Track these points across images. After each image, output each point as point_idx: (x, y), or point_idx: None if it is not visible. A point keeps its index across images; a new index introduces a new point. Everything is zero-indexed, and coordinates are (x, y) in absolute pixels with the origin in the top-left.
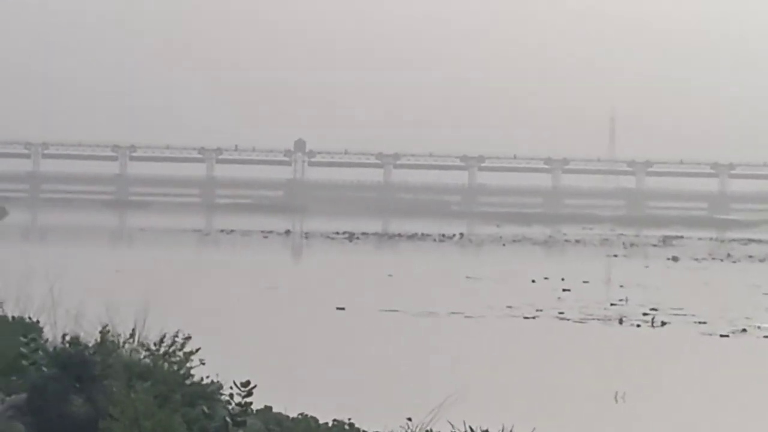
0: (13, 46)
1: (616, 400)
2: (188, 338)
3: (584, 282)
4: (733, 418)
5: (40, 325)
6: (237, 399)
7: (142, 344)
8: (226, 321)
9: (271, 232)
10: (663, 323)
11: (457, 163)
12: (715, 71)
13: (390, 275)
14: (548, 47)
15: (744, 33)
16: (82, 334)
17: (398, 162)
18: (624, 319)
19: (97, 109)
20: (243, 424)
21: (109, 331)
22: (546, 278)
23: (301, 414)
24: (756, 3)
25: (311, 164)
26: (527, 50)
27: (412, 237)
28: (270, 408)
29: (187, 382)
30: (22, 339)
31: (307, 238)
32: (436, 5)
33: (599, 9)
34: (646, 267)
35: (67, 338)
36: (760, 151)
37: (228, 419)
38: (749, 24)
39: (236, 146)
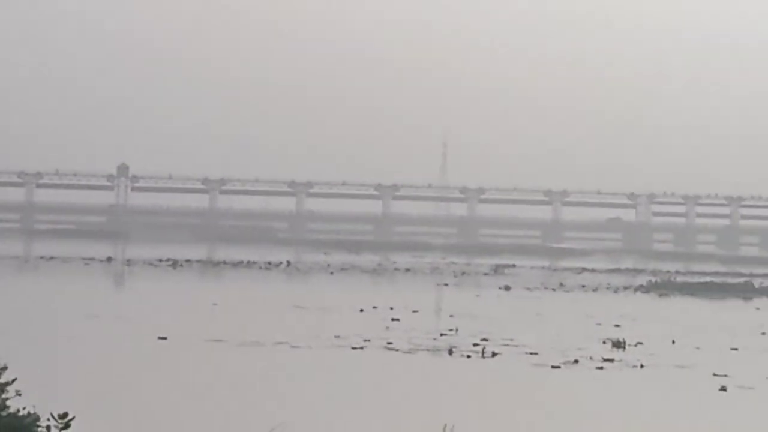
0: None
1: None
2: (4, 368)
3: (414, 311)
4: None
5: None
6: (54, 431)
7: None
8: (45, 351)
9: (92, 258)
10: (494, 354)
11: (285, 189)
12: (551, 96)
13: (215, 304)
14: (378, 68)
15: (578, 55)
16: None
17: (224, 188)
18: (454, 349)
19: None
20: None
21: None
22: (375, 307)
23: None
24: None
25: (135, 189)
26: (358, 70)
27: (237, 265)
28: None
29: (3, 413)
30: None
31: (129, 265)
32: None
33: (435, 26)
34: (477, 296)
35: None
36: (593, 178)
37: None
38: (581, 45)
39: (57, 170)
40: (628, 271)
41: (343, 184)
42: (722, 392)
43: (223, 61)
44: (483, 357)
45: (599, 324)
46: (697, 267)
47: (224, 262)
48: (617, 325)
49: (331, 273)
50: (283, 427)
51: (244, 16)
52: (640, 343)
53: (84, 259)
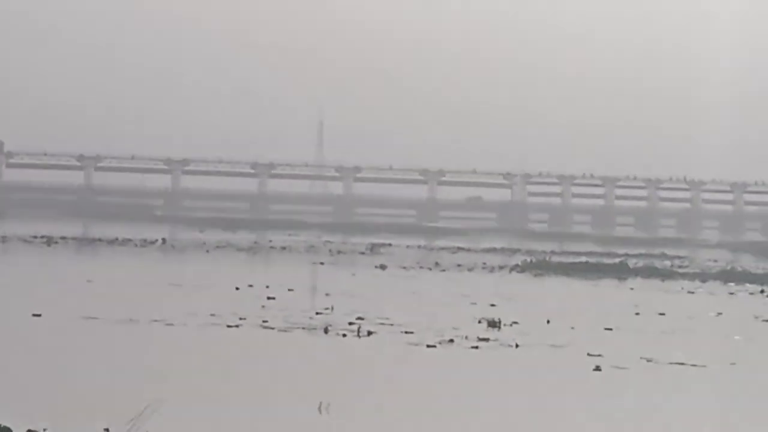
0: None
1: (320, 411)
2: None
3: (289, 290)
4: (439, 426)
5: None
6: None
7: None
8: None
9: None
10: (369, 333)
11: (161, 166)
12: (431, 78)
13: (90, 281)
14: (254, 48)
15: (454, 34)
16: None
17: (99, 165)
18: (329, 328)
19: None
20: None
21: None
22: (250, 286)
23: None
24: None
25: (9, 166)
26: (232, 49)
27: (112, 242)
28: None
29: None
30: None
31: (3, 242)
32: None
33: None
34: (353, 275)
35: None
36: (471, 159)
37: None
38: (460, 25)
39: None
40: (503, 250)
41: (220, 161)
42: (597, 372)
43: (92, 36)
44: (359, 336)
45: (475, 303)
46: (572, 247)
47: (99, 240)
48: (493, 305)
49: (207, 251)
50: (157, 403)
51: None
52: (516, 322)
53: None
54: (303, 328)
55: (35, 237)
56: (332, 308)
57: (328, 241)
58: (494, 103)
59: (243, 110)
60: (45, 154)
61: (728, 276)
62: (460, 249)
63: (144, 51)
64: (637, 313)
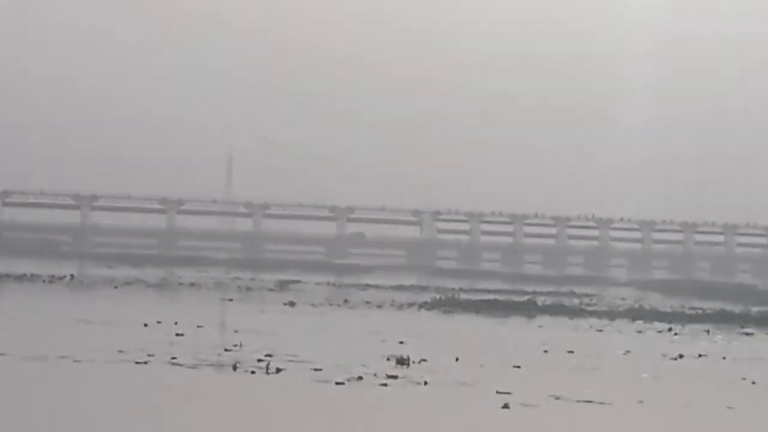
0: None
1: None
2: None
3: (198, 326)
4: None
5: None
6: None
7: None
8: None
9: None
10: (278, 370)
11: (69, 201)
12: (335, 107)
13: None
14: (164, 77)
15: (366, 58)
16: None
17: (7, 200)
18: (238, 365)
19: None
20: None
21: None
22: (159, 322)
23: None
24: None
25: None
26: (145, 78)
27: (20, 278)
28: None
29: None
30: None
31: None
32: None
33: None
34: (262, 312)
35: None
36: (380, 193)
37: None
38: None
39: None
40: (412, 287)
41: (128, 197)
42: (505, 410)
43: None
44: (267, 373)
45: (383, 341)
46: (481, 284)
47: (7, 275)
48: (401, 342)
49: (115, 287)
50: None
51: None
52: (424, 360)
53: None
54: (211, 365)
55: None
56: (241, 345)
57: (237, 278)
58: (405, 137)
59: (151, 143)
60: None
61: (636, 314)
62: (368, 286)
63: (51, 80)
64: (546, 351)
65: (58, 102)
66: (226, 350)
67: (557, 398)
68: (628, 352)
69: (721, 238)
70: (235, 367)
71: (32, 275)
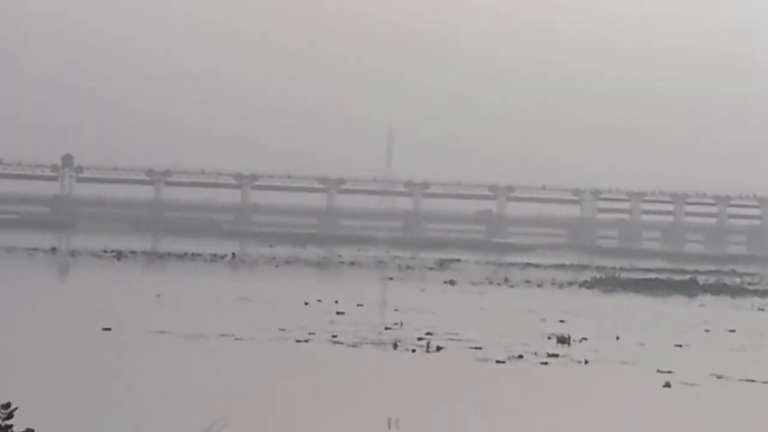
0: None
1: (389, 427)
2: None
3: (359, 305)
4: None
5: None
6: None
7: None
8: None
9: (35, 249)
10: (438, 348)
11: (230, 181)
12: (496, 92)
13: (159, 295)
14: (322, 62)
15: (526, 54)
16: None
17: (169, 179)
18: (398, 343)
19: None
20: None
21: None
22: (320, 300)
23: None
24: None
25: (79, 180)
26: (300, 61)
27: (182, 256)
28: (32, 431)
29: None
30: None
31: (73, 256)
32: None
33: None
34: (422, 290)
35: None
36: (538, 174)
37: None
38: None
39: (0, 160)
40: (572, 267)
41: (288, 177)
42: (666, 388)
43: (163, 49)
44: (428, 351)
45: (544, 319)
46: (641, 264)
47: (169, 254)
48: (562, 321)
49: (276, 266)
50: (224, 420)
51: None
52: (585, 339)
53: (27, 249)
54: (372, 343)
55: (105, 251)
56: (401, 323)
57: (397, 257)
58: (562, 115)
59: (311, 124)
60: (115, 169)
61: None
62: (528, 265)
63: (211, 63)
64: (707, 330)
65: (214, 87)
66: (386, 329)
67: (719, 377)
68: None
69: None
70: (395, 346)
71: (193, 254)
